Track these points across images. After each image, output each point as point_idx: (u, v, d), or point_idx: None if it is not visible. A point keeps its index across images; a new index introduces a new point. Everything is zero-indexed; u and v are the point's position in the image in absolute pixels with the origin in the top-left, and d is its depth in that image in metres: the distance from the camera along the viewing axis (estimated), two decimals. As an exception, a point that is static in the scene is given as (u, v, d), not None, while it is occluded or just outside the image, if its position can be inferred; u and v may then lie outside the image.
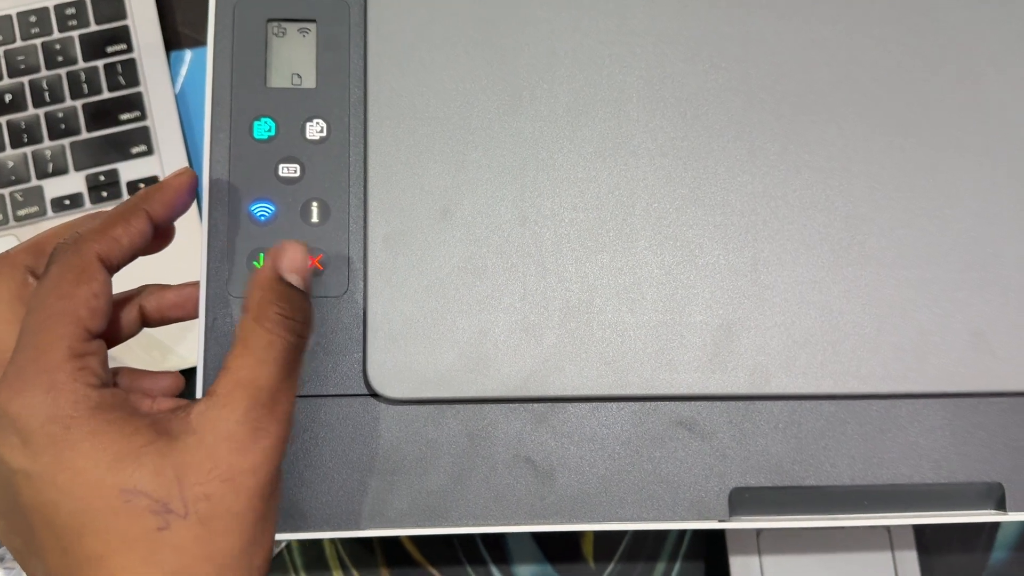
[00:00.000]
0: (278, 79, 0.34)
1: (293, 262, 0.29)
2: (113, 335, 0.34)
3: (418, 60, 0.34)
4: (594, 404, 0.33)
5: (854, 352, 0.33)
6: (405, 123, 0.33)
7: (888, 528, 0.47)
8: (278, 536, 0.31)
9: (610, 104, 0.34)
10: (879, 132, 0.34)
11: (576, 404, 0.33)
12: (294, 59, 0.34)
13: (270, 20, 0.34)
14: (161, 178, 0.51)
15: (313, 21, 0.34)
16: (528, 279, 0.33)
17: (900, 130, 0.34)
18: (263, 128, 0.34)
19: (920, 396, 0.33)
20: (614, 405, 0.33)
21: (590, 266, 0.33)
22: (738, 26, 0.35)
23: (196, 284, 0.34)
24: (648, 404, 0.33)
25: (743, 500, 0.32)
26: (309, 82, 0.34)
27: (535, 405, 0.32)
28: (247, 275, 0.32)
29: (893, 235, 0.34)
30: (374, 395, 0.32)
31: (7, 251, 0.33)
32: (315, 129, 0.34)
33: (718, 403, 0.33)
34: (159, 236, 0.32)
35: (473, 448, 0.32)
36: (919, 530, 0.50)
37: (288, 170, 0.33)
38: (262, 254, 0.32)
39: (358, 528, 0.32)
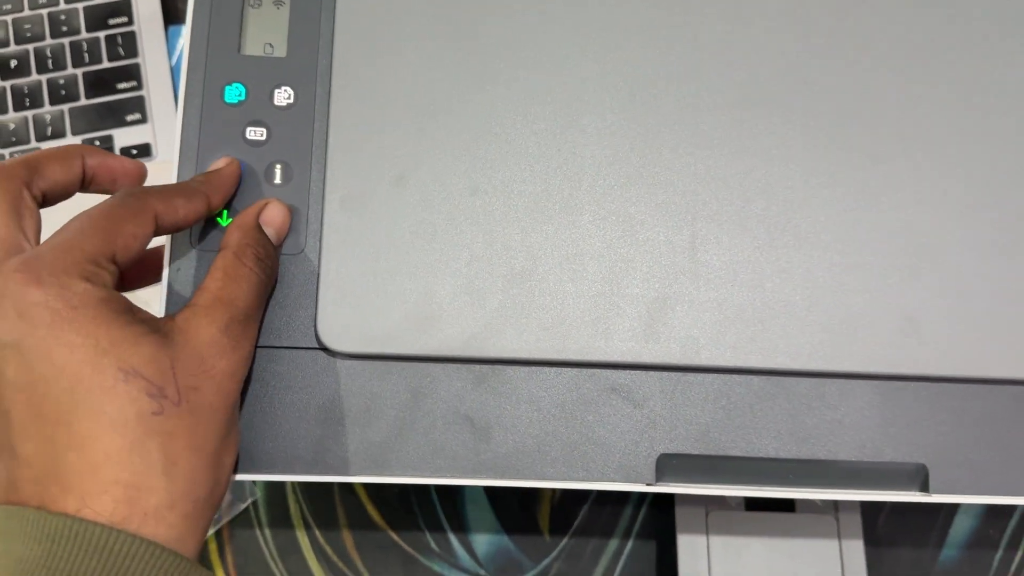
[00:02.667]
0: (251, 47, 0.36)
1: (272, 217, 0.33)
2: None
3: (383, 34, 0.36)
4: (532, 368, 0.34)
5: (784, 329, 0.34)
6: (367, 93, 0.35)
7: (836, 517, 0.48)
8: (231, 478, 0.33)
9: (564, 85, 0.36)
10: (821, 122, 0.36)
11: (515, 367, 0.34)
12: (267, 29, 0.36)
13: (246, -9, 0.36)
14: (153, 145, 0.53)
15: (287, -6, 0.36)
16: (475, 246, 0.34)
17: (842, 120, 0.36)
18: (234, 93, 0.35)
19: (849, 376, 0.35)
20: (551, 369, 0.34)
21: (535, 236, 0.34)
22: (691, 16, 0.36)
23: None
24: (584, 370, 0.34)
25: (670, 466, 0.34)
26: (280, 51, 0.36)
27: (476, 366, 0.34)
28: (212, 228, 0.34)
29: (829, 221, 0.35)
30: (324, 349, 0.34)
31: (2, 162, 0.31)
32: (283, 96, 0.36)
33: (651, 372, 0.34)
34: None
35: (415, 403, 0.34)
36: (870, 524, 0.52)
37: (255, 133, 0.35)
38: (225, 211, 0.34)
39: (303, 473, 0.33)
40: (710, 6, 0.36)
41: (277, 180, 0.35)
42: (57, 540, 0.25)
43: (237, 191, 0.34)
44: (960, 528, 0.52)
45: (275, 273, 0.33)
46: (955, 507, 0.52)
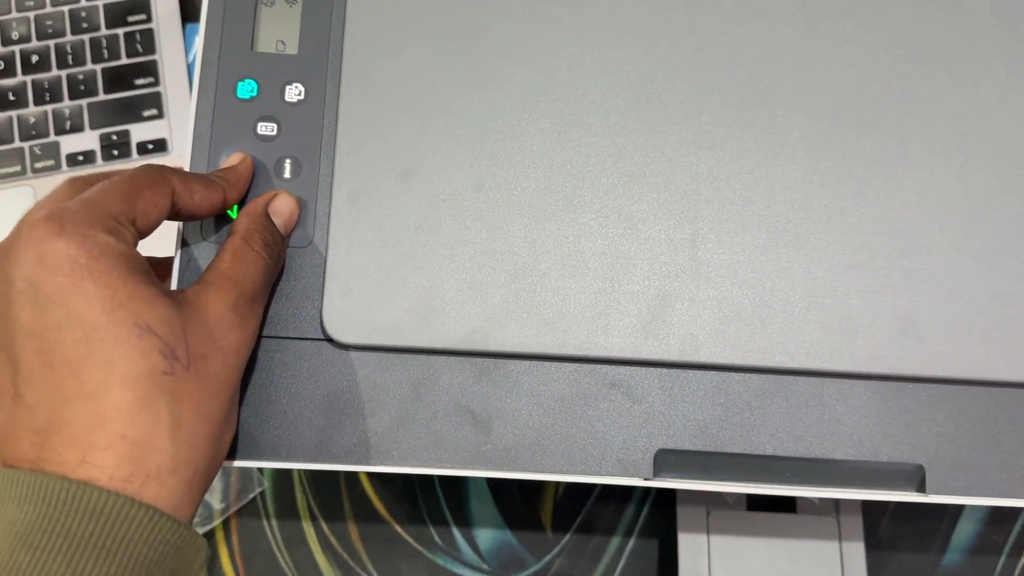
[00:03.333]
0: (264, 44, 0.37)
1: (281, 208, 0.34)
2: None
3: (391, 32, 0.36)
4: (533, 362, 0.35)
5: (783, 328, 0.34)
6: (375, 90, 0.36)
7: (837, 518, 0.48)
8: (235, 463, 0.34)
9: (568, 83, 0.36)
10: (823, 123, 0.36)
11: (516, 361, 0.35)
12: (280, 27, 0.37)
13: (260, -11, 0.37)
14: (169, 140, 0.54)
15: (299, -8, 0.37)
16: (479, 241, 0.35)
17: (843, 121, 0.36)
18: (246, 89, 0.36)
19: (847, 375, 0.35)
20: (552, 364, 0.35)
21: (538, 232, 0.35)
22: (694, 15, 0.37)
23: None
24: (584, 365, 0.35)
25: (667, 461, 0.34)
26: (292, 48, 0.37)
27: (478, 359, 0.35)
28: (222, 221, 0.35)
29: (829, 221, 0.35)
30: (328, 340, 0.35)
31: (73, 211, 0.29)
32: (294, 92, 0.36)
33: (650, 368, 0.35)
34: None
35: (417, 395, 0.34)
36: (872, 526, 0.52)
37: (266, 128, 0.36)
38: (236, 206, 0.35)
39: (306, 460, 0.34)
40: (713, 6, 0.37)
41: (287, 174, 0.36)
42: (53, 503, 0.24)
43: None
44: (963, 532, 0.52)
45: (281, 260, 0.34)
46: (958, 511, 0.52)
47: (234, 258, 0.31)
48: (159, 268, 0.35)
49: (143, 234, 0.29)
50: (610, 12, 0.37)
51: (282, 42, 0.37)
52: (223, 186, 0.33)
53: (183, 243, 0.35)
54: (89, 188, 0.29)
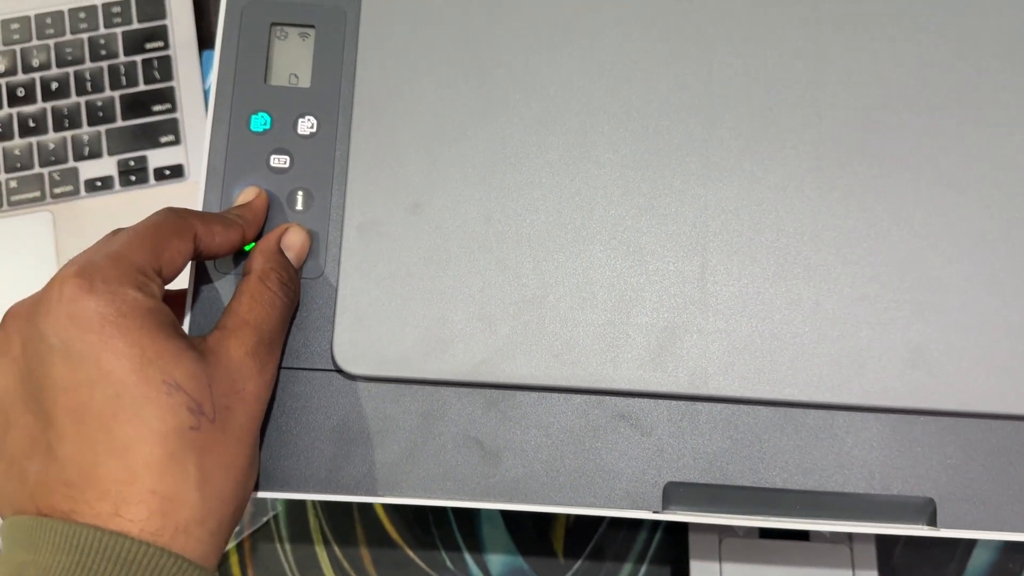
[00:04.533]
0: (277, 78, 0.37)
1: (293, 241, 0.34)
2: None
3: (402, 67, 0.37)
4: (542, 393, 0.35)
5: (793, 361, 0.34)
6: (386, 123, 0.36)
7: (850, 546, 0.48)
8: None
9: (577, 116, 0.36)
10: (831, 155, 0.36)
11: (525, 392, 0.35)
12: (293, 60, 0.37)
13: (274, 24, 0.37)
14: (186, 166, 0.55)
15: (312, 27, 0.37)
16: (488, 273, 0.35)
17: (852, 154, 0.36)
18: (259, 122, 0.37)
19: (857, 408, 0.35)
20: (561, 395, 0.35)
21: (547, 264, 0.35)
22: (703, 48, 0.37)
23: None
24: (593, 397, 0.35)
25: (677, 494, 0.34)
26: (304, 82, 0.37)
27: (487, 390, 0.35)
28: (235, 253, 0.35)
29: (838, 253, 0.35)
30: (339, 371, 0.35)
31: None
32: (306, 125, 0.37)
33: (659, 400, 0.35)
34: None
35: (426, 426, 0.35)
36: (886, 555, 0.51)
37: (279, 161, 0.36)
38: (252, 243, 0.36)
39: (317, 491, 0.34)
40: (722, 40, 0.37)
41: (299, 206, 0.36)
42: (86, 551, 0.25)
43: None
44: (978, 562, 0.51)
45: (297, 296, 0.34)
46: (973, 540, 0.52)
47: (252, 300, 0.32)
48: (174, 302, 0.35)
49: (168, 281, 0.30)
50: (619, 45, 0.37)
51: (295, 75, 0.37)
52: (241, 225, 0.33)
53: (196, 277, 0.35)
54: (118, 233, 0.29)
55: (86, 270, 0.27)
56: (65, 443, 0.27)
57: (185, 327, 0.35)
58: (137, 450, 0.26)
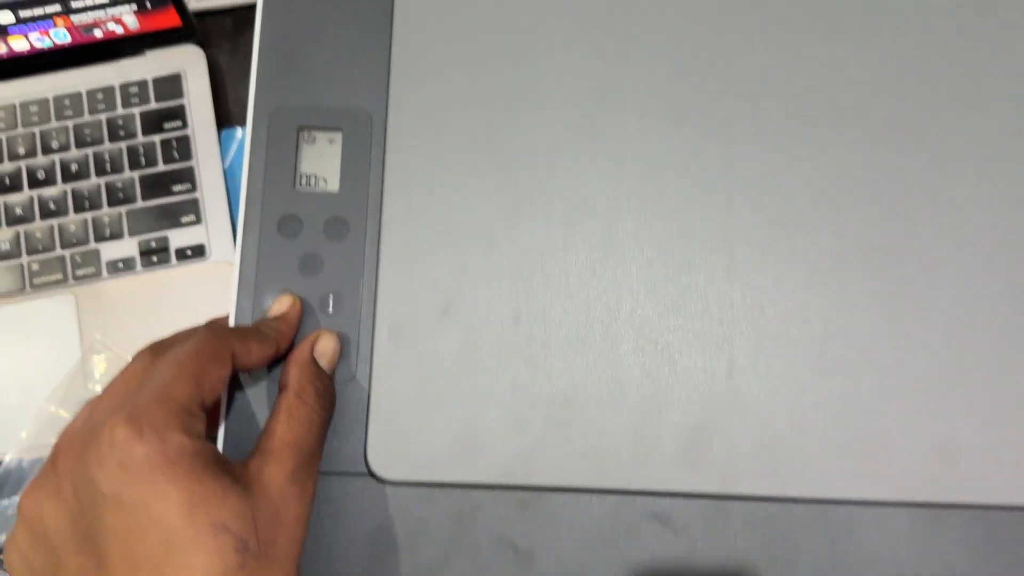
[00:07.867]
0: (305, 182, 0.38)
1: (325, 349, 0.35)
2: None
3: (429, 171, 0.37)
4: (574, 494, 0.35)
5: (821, 458, 0.35)
6: (414, 226, 0.37)
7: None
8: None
9: (602, 216, 0.37)
10: (855, 249, 0.37)
11: (557, 493, 0.35)
12: (321, 164, 0.38)
13: (301, 128, 0.38)
14: (207, 245, 0.55)
15: (339, 130, 0.38)
16: (518, 374, 0.36)
17: (878, 246, 0.37)
18: (289, 226, 0.37)
19: (885, 504, 0.35)
20: (593, 496, 0.35)
21: (576, 365, 0.36)
22: (724, 144, 0.37)
23: None
24: (625, 497, 0.35)
25: (710, 593, 0.35)
26: (333, 185, 0.38)
27: (519, 492, 0.35)
28: (266, 358, 0.36)
29: (863, 346, 0.36)
30: (372, 475, 0.35)
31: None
32: (336, 228, 0.37)
33: (692, 500, 0.35)
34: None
35: (460, 529, 0.35)
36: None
37: (309, 265, 0.37)
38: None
39: (350, 597, 0.35)
40: (743, 135, 0.37)
41: (330, 310, 0.37)
42: None
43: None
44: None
45: (334, 405, 0.35)
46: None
47: (289, 418, 0.32)
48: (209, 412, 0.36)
49: (209, 407, 0.31)
50: (642, 141, 0.38)
51: (324, 179, 0.38)
52: (276, 339, 0.34)
53: (230, 384, 0.36)
54: (159, 362, 0.30)
55: (135, 417, 0.28)
56: None
57: (220, 438, 0.35)
58: None
